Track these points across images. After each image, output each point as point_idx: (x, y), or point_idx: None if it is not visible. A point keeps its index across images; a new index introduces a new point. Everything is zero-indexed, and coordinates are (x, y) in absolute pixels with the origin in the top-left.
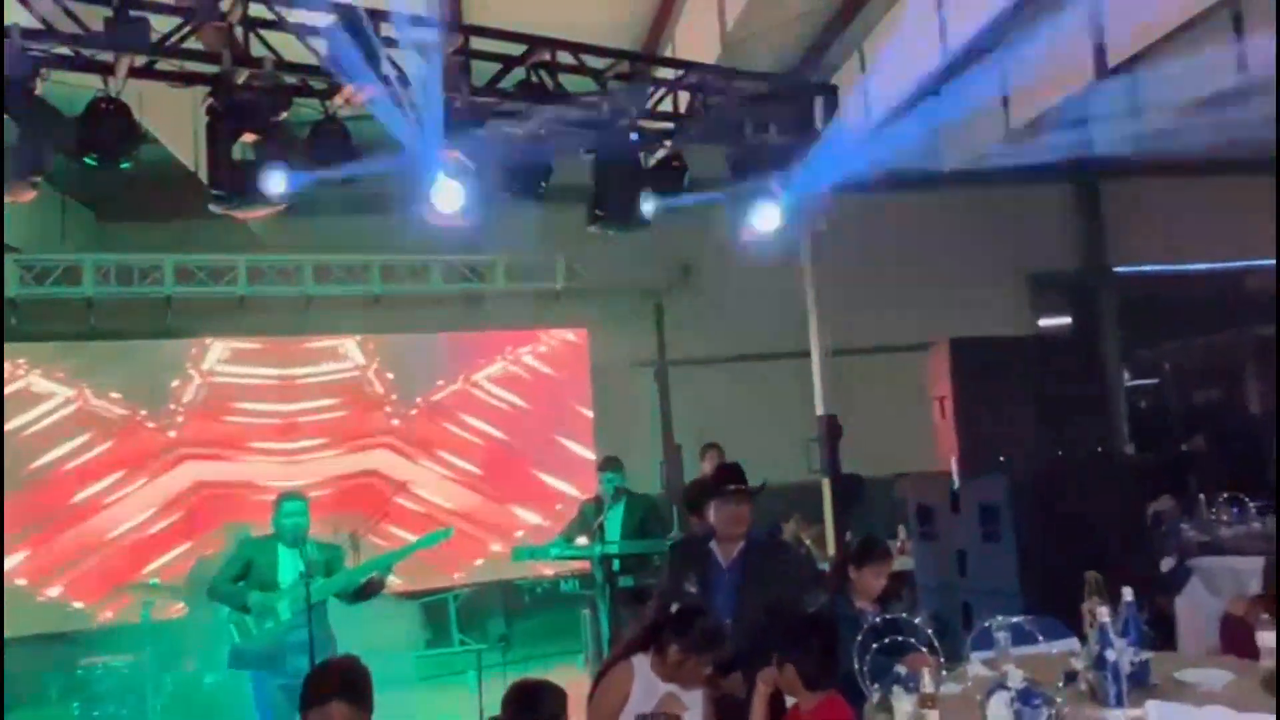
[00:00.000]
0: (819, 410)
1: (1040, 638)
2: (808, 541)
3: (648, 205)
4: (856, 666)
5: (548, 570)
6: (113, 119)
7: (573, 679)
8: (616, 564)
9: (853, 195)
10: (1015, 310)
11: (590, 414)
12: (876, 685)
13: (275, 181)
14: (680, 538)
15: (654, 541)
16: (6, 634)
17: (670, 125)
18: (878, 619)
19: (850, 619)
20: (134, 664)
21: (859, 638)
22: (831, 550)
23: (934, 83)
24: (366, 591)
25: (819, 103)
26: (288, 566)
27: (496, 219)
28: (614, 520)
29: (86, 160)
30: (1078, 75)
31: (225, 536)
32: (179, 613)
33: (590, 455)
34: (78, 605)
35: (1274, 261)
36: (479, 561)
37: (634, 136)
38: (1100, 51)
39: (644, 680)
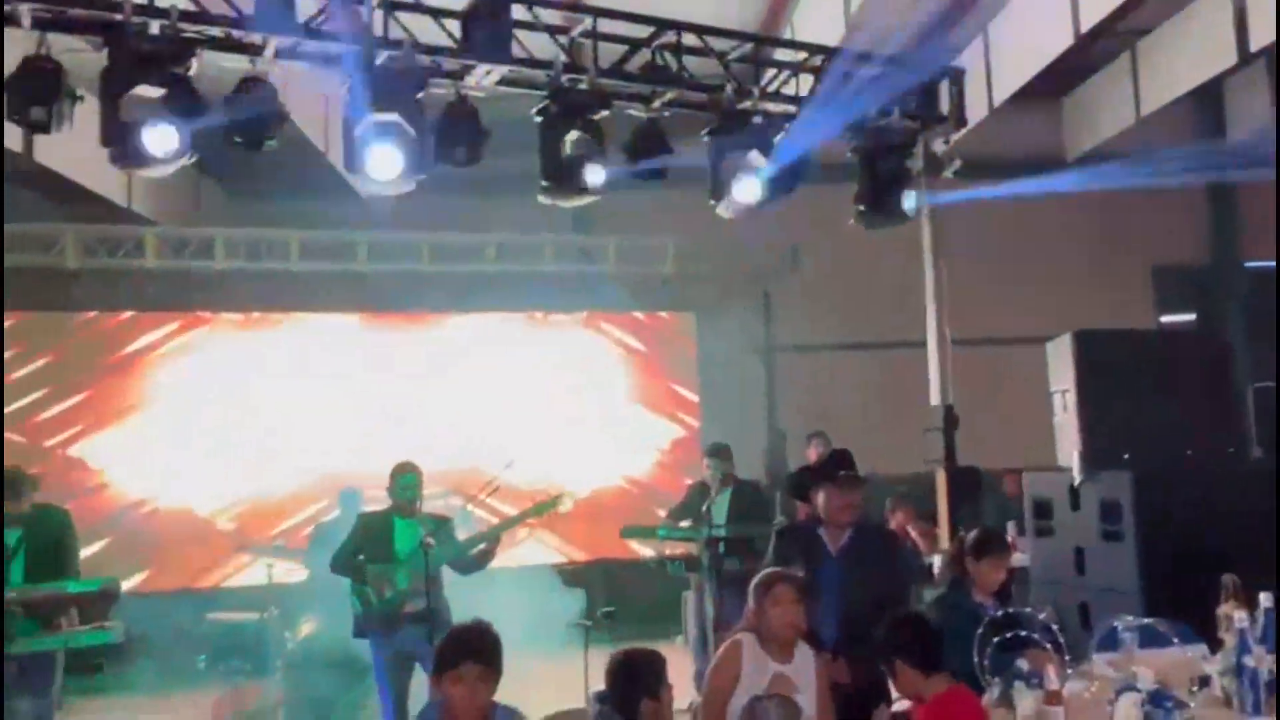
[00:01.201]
0: (934, 401)
1: (1175, 640)
2: (914, 534)
3: (758, 188)
4: (976, 660)
5: (647, 550)
6: (259, 100)
7: (673, 658)
8: (723, 547)
9: (975, 182)
10: (1137, 304)
11: (695, 397)
12: (996, 680)
13: (409, 161)
14: (787, 523)
15: (761, 525)
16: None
17: (792, 108)
18: (997, 612)
19: (969, 611)
20: (257, 622)
21: (979, 631)
22: (944, 544)
23: (1062, 65)
24: (478, 561)
25: (944, 86)
26: (404, 537)
27: (608, 201)
28: (721, 506)
29: (236, 140)
30: (1217, 58)
31: (340, 502)
32: (299, 575)
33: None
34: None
35: None
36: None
37: (757, 119)
38: (1242, 32)
39: (753, 659)
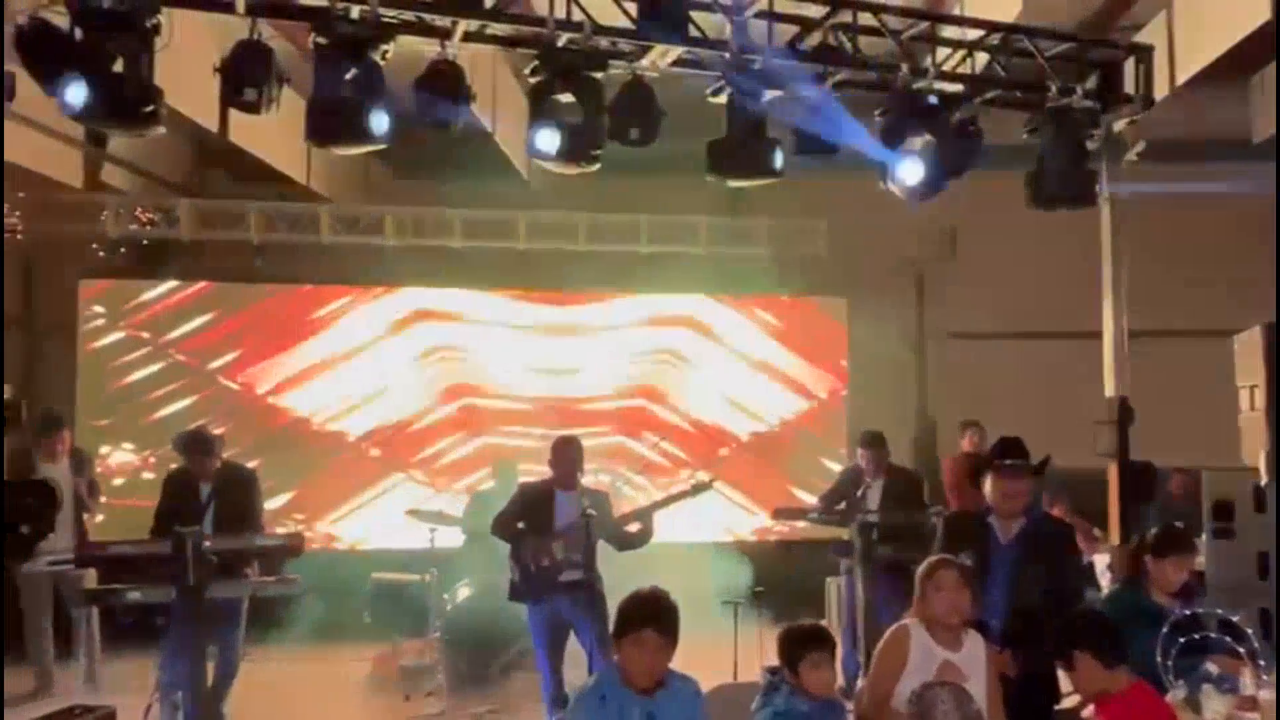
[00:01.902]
0: (1108, 393)
1: None
2: None
3: (928, 169)
4: (1159, 660)
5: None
6: (449, 82)
7: None
8: (876, 534)
9: (1157, 165)
10: None
11: (842, 382)
12: (1180, 682)
13: (586, 141)
14: (955, 511)
15: (916, 514)
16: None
17: (965, 88)
18: (1182, 613)
19: (1146, 610)
20: (418, 584)
21: (1164, 631)
22: (1114, 540)
23: (1253, 41)
24: (636, 540)
25: (1129, 64)
26: (563, 509)
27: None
28: (875, 492)
29: (426, 121)
30: None
31: (496, 473)
32: (458, 542)
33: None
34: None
35: None
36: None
37: (932, 100)
38: None
39: (921, 645)
